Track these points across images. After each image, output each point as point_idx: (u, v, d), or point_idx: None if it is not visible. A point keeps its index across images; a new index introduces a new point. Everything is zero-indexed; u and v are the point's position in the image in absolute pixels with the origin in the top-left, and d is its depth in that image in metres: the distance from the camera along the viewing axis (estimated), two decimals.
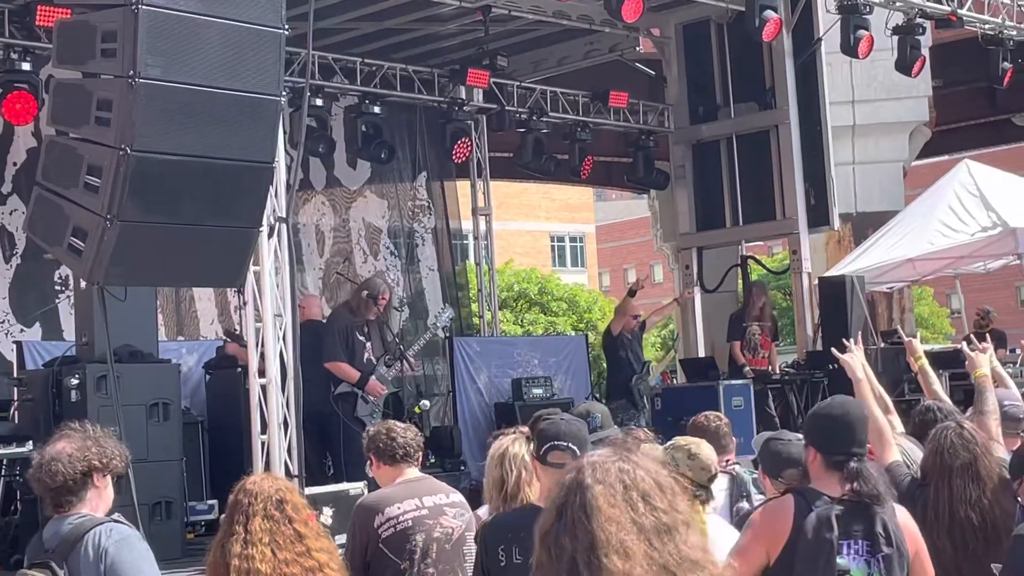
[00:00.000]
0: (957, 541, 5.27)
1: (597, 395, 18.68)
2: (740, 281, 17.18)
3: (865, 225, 19.21)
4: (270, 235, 8.86)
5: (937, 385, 7.08)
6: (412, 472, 6.13)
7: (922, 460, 5.65)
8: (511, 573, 4.79)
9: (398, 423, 6.32)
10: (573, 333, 33.03)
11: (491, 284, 17.48)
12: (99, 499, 4.81)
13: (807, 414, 5.05)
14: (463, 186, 17.74)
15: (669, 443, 5.67)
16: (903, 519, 4.69)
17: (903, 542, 4.58)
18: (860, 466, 4.60)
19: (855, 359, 5.83)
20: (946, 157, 23.78)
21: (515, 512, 5.11)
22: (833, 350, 6.19)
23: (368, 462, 6.23)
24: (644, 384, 14.05)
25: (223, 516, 4.56)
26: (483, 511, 6.22)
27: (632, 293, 14.86)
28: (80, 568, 4.61)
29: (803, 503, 4.60)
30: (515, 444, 5.31)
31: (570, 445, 4.88)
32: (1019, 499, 5.21)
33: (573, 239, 61.40)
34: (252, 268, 8.67)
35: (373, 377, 11.69)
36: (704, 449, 5.43)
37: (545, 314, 38.36)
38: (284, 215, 9.02)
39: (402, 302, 16.34)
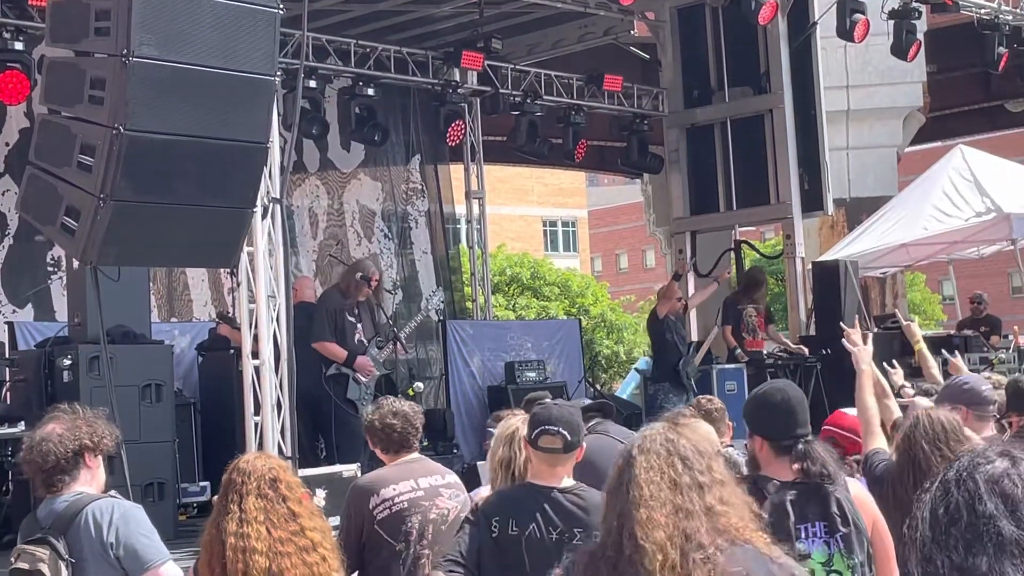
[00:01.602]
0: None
1: (590, 379, 18.69)
2: (733, 266, 17.17)
3: (859, 210, 19.21)
4: (264, 216, 8.84)
5: (935, 369, 7.13)
6: (409, 454, 6.11)
7: (895, 442, 5.66)
8: (503, 543, 4.80)
9: (397, 405, 6.19)
10: (566, 318, 33.00)
11: (484, 267, 17.46)
12: (92, 479, 4.82)
13: (745, 402, 5.05)
14: (455, 170, 17.71)
15: None
16: (856, 492, 4.70)
17: (859, 518, 4.57)
18: (807, 447, 4.62)
19: (864, 352, 5.83)
20: (939, 143, 23.79)
21: (513, 488, 5.14)
22: (845, 342, 6.15)
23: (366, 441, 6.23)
24: (691, 366, 14.03)
25: (217, 495, 4.54)
26: (476, 493, 6.21)
27: (677, 277, 14.89)
28: (80, 542, 4.61)
29: (756, 492, 4.59)
30: (525, 425, 5.30)
31: (560, 430, 4.90)
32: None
33: (565, 224, 61.34)
34: (246, 249, 8.65)
35: (362, 355, 11.65)
36: (701, 427, 5.43)
37: (538, 299, 38.32)
38: (278, 196, 8.99)
39: (395, 285, 16.33)
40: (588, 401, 7.25)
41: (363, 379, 11.60)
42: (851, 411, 6.37)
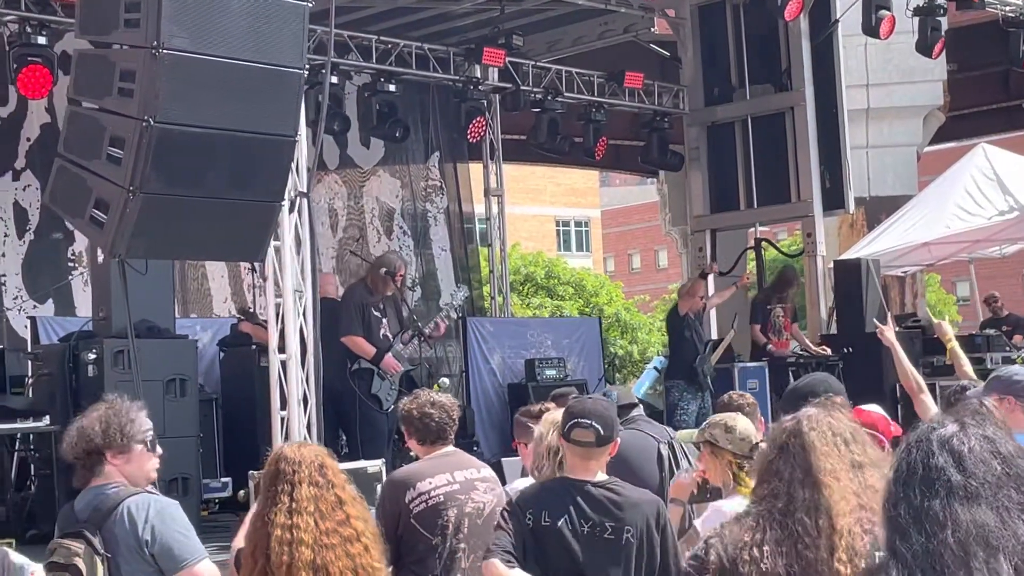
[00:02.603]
0: None
1: (607, 378, 18.63)
2: (752, 264, 17.08)
3: (878, 209, 19.11)
4: (291, 210, 8.80)
5: (968, 366, 7.09)
6: (444, 446, 6.06)
7: None
8: (537, 534, 4.81)
9: (435, 396, 6.11)
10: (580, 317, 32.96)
11: (503, 265, 17.38)
12: (120, 475, 4.76)
13: (785, 393, 5.02)
14: (474, 169, 17.65)
15: (705, 422, 5.65)
16: None
17: None
18: None
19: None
20: (955, 143, 23.68)
21: (547, 481, 5.17)
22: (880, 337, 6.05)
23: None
24: (707, 364, 13.98)
25: (260, 487, 4.50)
26: (511, 486, 6.18)
27: (703, 276, 14.84)
28: (116, 537, 4.58)
29: None
30: None
31: (593, 423, 4.90)
32: None
33: (578, 223, 61.33)
34: (272, 243, 8.61)
35: (389, 354, 11.57)
36: (741, 422, 5.40)
37: (552, 298, 38.27)
38: (305, 190, 8.96)
39: (414, 282, 16.28)
40: (614, 392, 7.22)
41: (388, 375, 11.54)
42: (867, 407, 6.35)
